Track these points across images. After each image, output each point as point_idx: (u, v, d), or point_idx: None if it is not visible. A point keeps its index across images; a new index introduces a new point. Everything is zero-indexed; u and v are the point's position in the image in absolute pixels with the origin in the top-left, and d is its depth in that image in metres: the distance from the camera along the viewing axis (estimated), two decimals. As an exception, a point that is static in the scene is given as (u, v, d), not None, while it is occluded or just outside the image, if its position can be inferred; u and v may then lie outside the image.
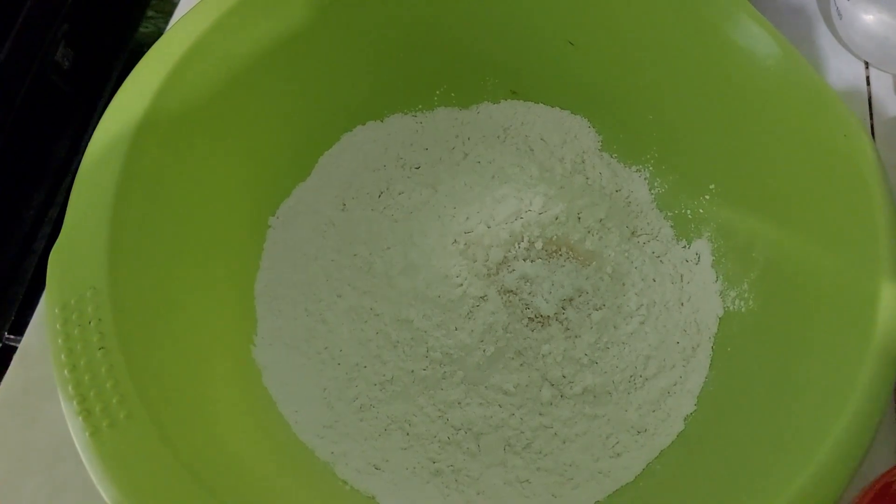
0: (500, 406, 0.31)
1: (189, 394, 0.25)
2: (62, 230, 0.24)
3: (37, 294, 0.41)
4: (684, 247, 0.34)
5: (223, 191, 0.31)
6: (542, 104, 0.37)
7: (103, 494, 0.21)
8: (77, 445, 0.21)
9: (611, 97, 0.35)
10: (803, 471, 0.21)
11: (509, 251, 0.32)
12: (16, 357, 0.35)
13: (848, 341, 0.24)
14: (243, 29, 0.30)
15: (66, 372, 0.22)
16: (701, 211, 0.33)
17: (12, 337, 0.42)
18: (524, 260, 0.32)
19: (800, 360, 0.26)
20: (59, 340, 0.22)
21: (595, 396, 0.31)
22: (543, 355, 0.31)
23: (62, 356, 0.22)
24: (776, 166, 0.29)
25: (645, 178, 0.36)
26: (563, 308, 0.32)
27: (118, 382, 0.22)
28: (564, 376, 0.31)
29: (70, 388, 0.22)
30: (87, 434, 0.21)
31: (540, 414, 0.31)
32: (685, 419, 0.30)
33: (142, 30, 0.50)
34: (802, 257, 0.28)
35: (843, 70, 0.40)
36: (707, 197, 0.33)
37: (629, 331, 0.32)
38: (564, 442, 0.30)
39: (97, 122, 0.46)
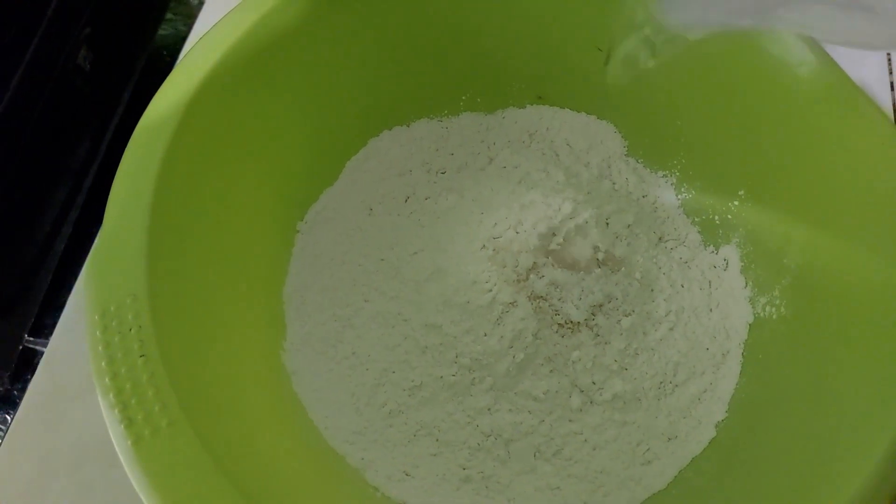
0: (529, 412, 0.31)
1: (224, 400, 0.25)
2: (100, 237, 0.24)
3: (57, 296, 0.41)
4: (712, 252, 0.34)
5: (253, 196, 0.31)
6: (567, 109, 0.37)
7: (146, 503, 0.21)
8: (119, 454, 0.21)
9: (637, 102, 0.35)
10: (848, 484, 0.21)
11: (538, 257, 0.32)
12: (42, 361, 0.35)
13: (888, 351, 0.24)
14: (273, 35, 0.30)
15: (107, 380, 0.22)
16: (729, 217, 0.33)
17: (32, 339, 0.42)
18: (553, 266, 0.32)
19: (837, 369, 0.26)
20: (100, 348, 0.22)
21: (625, 403, 0.31)
22: (573, 362, 0.31)
23: (103, 363, 0.22)
24: (809, 173, 0.29)
25: (672, 184, 0.36)
26: (592, 314, 0.32)
27: (159, 390, 0.22)
28: (594, 383, 0.31)
29: (112, 395, 0.22)
30: (129, 442, 0.21)
31: (570, 420, 0.31)
32: (716, 426, 0.30)
33: (161, 32, 0.50)
34: (837, 265, 0.28)
35: (866, 76, 0.40)
36: (736, 203, 0.33)
37: (658, 337, 0.32)
38: (594, 449, 0.30)
39: (117, 124, 0.47)
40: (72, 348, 0.35)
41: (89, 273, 0.24)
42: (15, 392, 0.37)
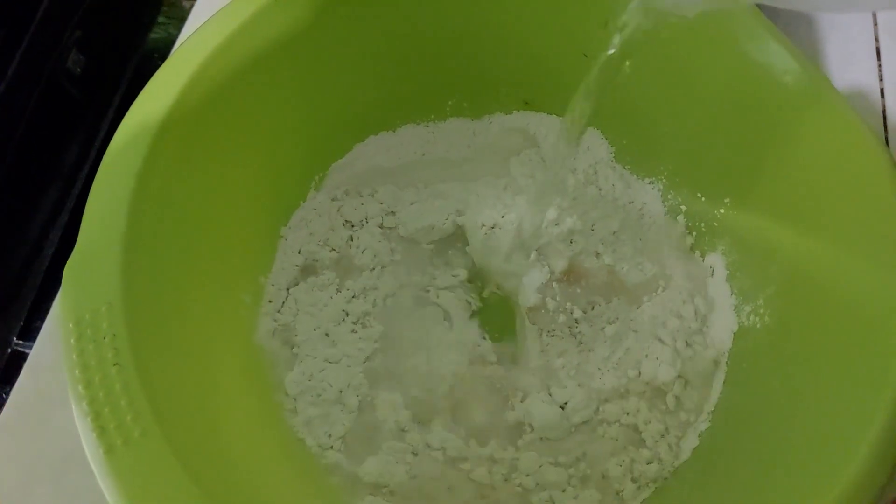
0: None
1: (200, 411, 0.25)
2: (77, 244, 0.24)
3: (46, 300, 0.41)
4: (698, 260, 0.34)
5: (235, 201, 0.31)
6: (554, 115, 0.37)
7: (118, 513, 0.21)
8: (91, 463, 0.21)
9: (625, 108, 0.35)
10: (829, 492, 0.21)
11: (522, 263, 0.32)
12: (26, 366, 0.35)
13: (872, 360, 0.24)
14: (257, 40, 0.30)
15: (80, 388, 0.22)
16: (715, 224, 0.33)
17: (21, 342, 0.42)
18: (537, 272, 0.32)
19: (820, 378, 0.26)
20: (74, 356, 0.22)
21: (608, 411, 0.31)
22: (556, 369, 0.31)
23: (77, 372, 0.22)
24: (795, 183, 0.29)
25: (658, 190, 0.35)
26: (576, 321, 0.32)
27: (133, 399, 0.22)
28: (577, 390, 0.31)
29: (85, 404, 0.22)
30: (101, 451, 0.21)
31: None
32: (699, 435, 0.30)
33: (153, 36, 0.50)
34: (822, 274, 0.27)
35: (856, 82, 0.40)
36: (722, 210, 0.33)
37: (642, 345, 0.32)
38: (578, 457, 0.30)
39: (107, 128, 0.47)
40: (56, 353, 0.35)
41: (65, 280, 0.24)
42: (3, 395, 0.37)
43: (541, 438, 0.30)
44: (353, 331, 0.32)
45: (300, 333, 0.32)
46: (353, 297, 0.33)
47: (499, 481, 0.29)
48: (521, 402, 0.31)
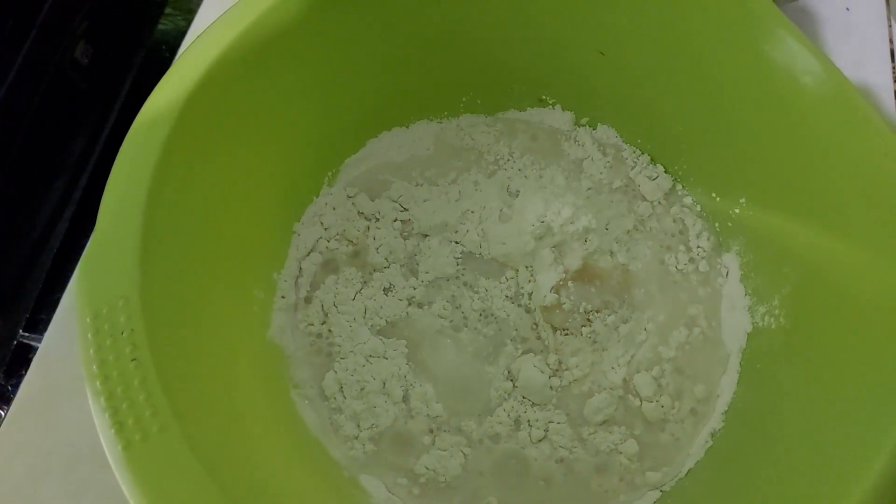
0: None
1: (217, 406, 0.25)
2: (92, 238, 0.24)
3: (53, 292, 0.40)
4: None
5: (249, 197, 0.31)
6: (569, 112, 0.37)
7: (136, 509, 0.21)
8: (109, 458, 0.21)
9: (639, 107, 0.35)
10: (846, 497, 0.21)
11: (536, 262, 0.32)
12: (35, 359, 0.35)
13: (890, 361, 0.24)
14: (272, 34, 0.30)
15: (98, 383, 0.22)
16: (730, 224, 0.33)
17: (27, 334, 0.41)
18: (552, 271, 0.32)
19: (835, 380, 0.26)
20: (91, 351, 0.22)
21: (621, 411, 0.31)
22: (569, 368, 0.31)
23: (94, 367, 0.22)
24: (811, 182, 0.28)
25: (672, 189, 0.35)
26: (589, 320, 0.32)
27: (151, 394, 0.22)
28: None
29: (102, 399, 0.21)
30: (119, 447, 0.21)
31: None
32: (712, 435, 0.30)
33: (160, 27, 0.49)
34: (837, 275, 0.27)
35: (869, 83, 0.39)
36: (737, 210, 0.33)
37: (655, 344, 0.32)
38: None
39: (114, 120, 0.46)
40: (65, 346, 0.35)
41: (81, 274, 0.23)
42: (9, 388, 0.37)
43: (522, 397, 0.31)
44: (387, 323, 0.32)
45: (336, 333, 0.32)
46: (381, 289, 0.33)
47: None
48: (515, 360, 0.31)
